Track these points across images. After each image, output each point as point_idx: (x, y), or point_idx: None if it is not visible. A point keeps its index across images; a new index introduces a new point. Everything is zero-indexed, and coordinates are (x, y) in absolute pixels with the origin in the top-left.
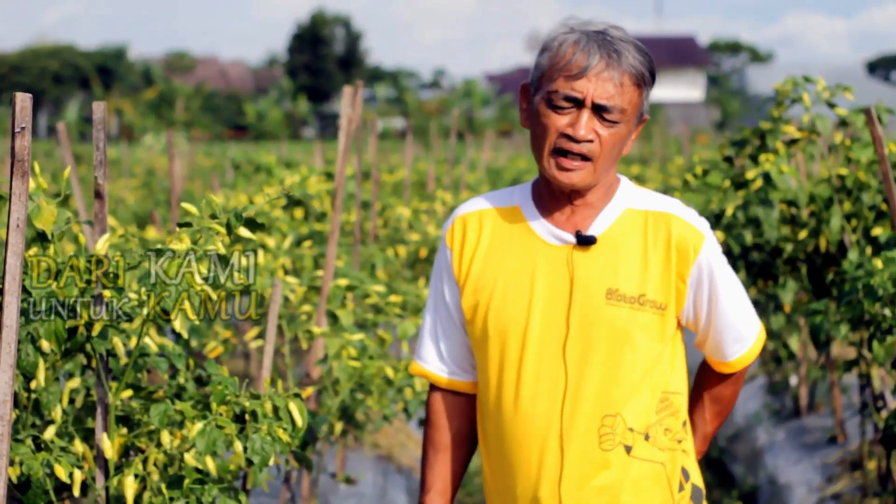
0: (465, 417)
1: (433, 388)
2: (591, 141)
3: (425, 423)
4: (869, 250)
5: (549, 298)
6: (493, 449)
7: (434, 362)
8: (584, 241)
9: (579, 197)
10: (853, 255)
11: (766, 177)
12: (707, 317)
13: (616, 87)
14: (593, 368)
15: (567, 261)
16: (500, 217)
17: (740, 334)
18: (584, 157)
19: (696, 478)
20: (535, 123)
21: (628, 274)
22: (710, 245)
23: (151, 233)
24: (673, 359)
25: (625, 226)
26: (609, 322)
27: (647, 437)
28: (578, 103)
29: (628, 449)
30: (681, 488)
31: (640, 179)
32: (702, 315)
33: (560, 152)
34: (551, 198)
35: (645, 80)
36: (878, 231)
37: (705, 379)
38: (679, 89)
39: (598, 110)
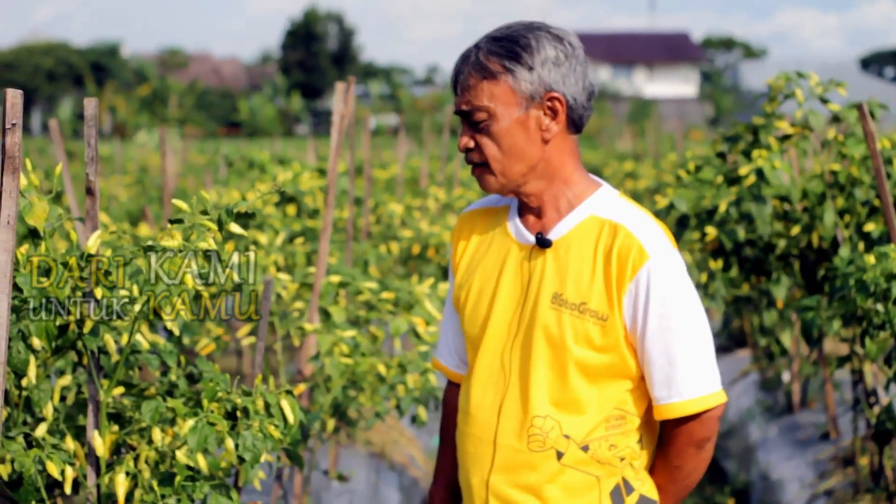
0: None
1: (448, 381)
2: (472, 149)
3: (440, 417)
4: (861, 246)
5: (508, 298)
6: (458, 440)
7: (445, 355)
8: (541, 243)
9: (535, 202)
10: (845, 251)
11: (759, 172)
12: (640, 343)
13: (469, 91)
14: (532, 370)
15: (527, 262)
16: (491, 217)
17: (670, 379)
18: (481, 164)
19: (647, 489)
20: None
21: (575, 280)
22: (657, 268)
23: (144, 230)
24: (630, 375)
25: (582, 232)
26: (548, 326)
27: (585, 449)
28: (461, 119)
29: (560, 455)
30: (619, 502)
31: (633, 176)
32: (636, 338)
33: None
34: (524, 204)
35: (490, 71)
36: (870, 227)
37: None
38: (672, 85)
39: (467, 118)
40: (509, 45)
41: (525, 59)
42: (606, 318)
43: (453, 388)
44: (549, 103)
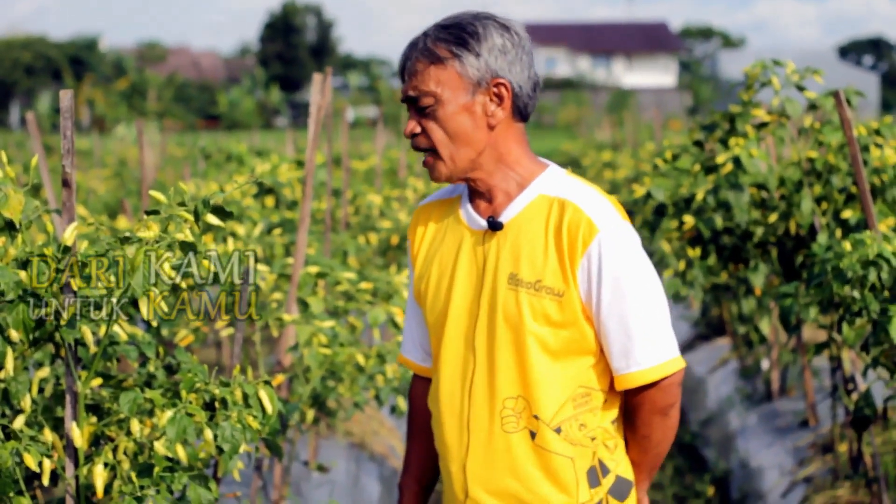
0: None
1: (414, 375)
2: (417, 135)
3: (407, 410)
4: (839, 233)
5: (465, 284)
6: (434, 429)
7: (410, 349)
8: (493, 227)
9: (482, 186)
10: (823, 238)
11: (737, 161)
12: (596, 316)
13: (417, 77)
14: (497, 352)
15: (480, 246)
16: (445, 208)
17: (628, 349)
18: (430, 150)
19: (623, 470)
20: None
21: (529, 259)
22: (607, 240)
23: (122, 222)
24: (591, 351)
25: (532, 212)
26: (507, 306)
27: (558, 430)
28: (408, 105)
29: (533, 435)
30: (595, 483)
31: (611, 165)
32: (592, 312)
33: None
34: (473, 190)
35: (437, 56)
36: (847, 214)
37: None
38: (651, 75)
39: (414, 104)
40: (457, 32)
41: (472, 46)
42: (562, 294)
43: (419, 382)
44: (495, 89)
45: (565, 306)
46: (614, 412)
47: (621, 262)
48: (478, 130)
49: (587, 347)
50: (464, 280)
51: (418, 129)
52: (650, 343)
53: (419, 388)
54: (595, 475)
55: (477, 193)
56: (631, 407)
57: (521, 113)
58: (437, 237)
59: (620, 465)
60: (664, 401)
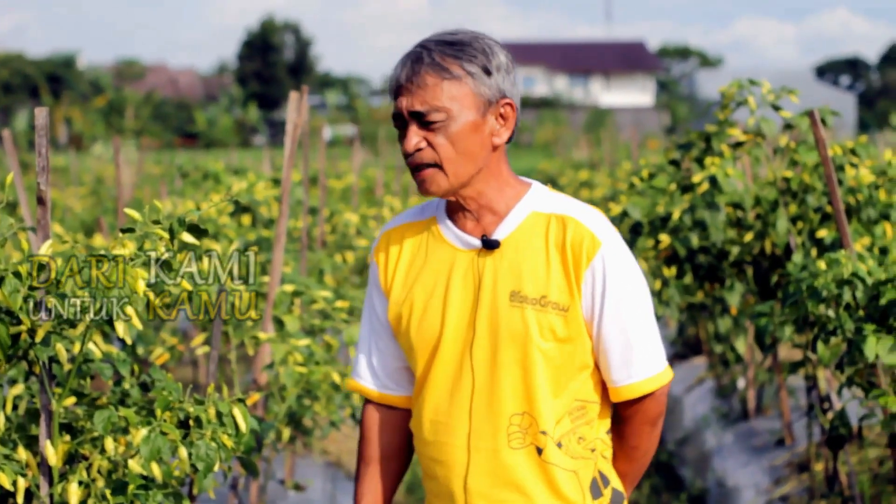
0: (397, 431)
1: (367, 402)
2: (421, 150)
3: (359, 438)
4: (814, 252)
5: (460, 303)
6: (422, 452)
7: (366, 376)
8: (488, 245)
9: (472, 204)
10: (798, 258)
11: (713, 180)
12: (597, 329)
13: (424, 90)
14: (500, 369)
15: (474, 265)
16: (418, 230)
17: (628, 360)
18: (433, 164)
19: (616, 482)
20: None
21: (531, 276)
22: (609, 253)
23: (98, 240)
24: (588, 365)
25: (528, 229)
26: (512, 323)
27: (559, 445)
28: (403, 119)
29: (539, 451)
30: (598, 494)
31: (588, 185)
32: (593, 325)
33: (413, 170)
34: (458, 208)
35: (451, 72)
36: (823, 233)
37: (615, 409)
38: (629, 94)
39: (418, 119)
40: (468, 49)
41: (485, 64)
42: (568, 309)
43: (377, 409)
44: (502, 109)
45: (570, 321)
46: (607, 423)
47: (622, 274)
48: (482, 149)
49: (585, 361)
50: (458, 299)
51: (423, 144)
52: (648, 353)
53: (375, 417)
54: (597, 487)
55: (461, 212)
56: (622, 417)
57: (512, 132)
58: (415, 260)
59: (614, 477)
60: (656, 410)
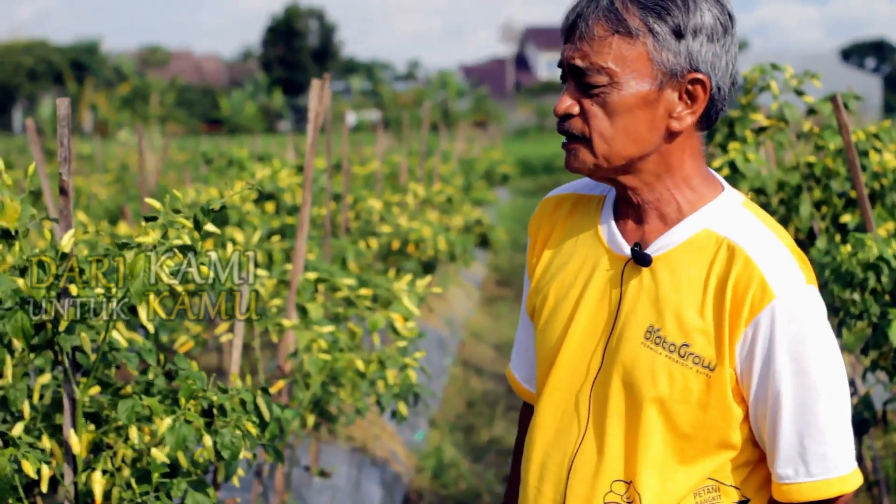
0: None
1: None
2: (571, 116)
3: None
4: (838, 237)
5: (590, 322)
6: (522, 475)
7: (517, 364)
8: (638, 259)
9: (635, 198)
10: (822, 243)
11: (732, 165)
12: (754, 406)
13: (592, 43)
14: (613, 419)
15: (618, 280)
16: (582, 207)
17: (801, 455)
18: (579, 137)
19: None
20: None
21: (676, 314)
22: (783, 311)
23: (123, 228)
24: (731, 444)
25: (693, 250)
26: (637, 367)
27: None
28: (565, 74)
29: None
30: None
31: None
32: (749, 399)
33: (564, 139)
34: (623, 197)
35: (627, 25)
36: (846, 218)
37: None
38: None
39: (578, 76)
40: (659, 3)
41: (676, 22)
42: (713, 368)
43: (527, 408)
44: (689, 86)
45: (714, 385)
46: None
47: (800, 341)
48: (653, 132)
49: (725, 437)
50: (589, 316)
51: (575, 110)
52: (832, 448)
53: (524, 410)
54: None
55: (625, 205)
56: None
57: (709, 120)
58: (565, 247)
59: None
60: None
